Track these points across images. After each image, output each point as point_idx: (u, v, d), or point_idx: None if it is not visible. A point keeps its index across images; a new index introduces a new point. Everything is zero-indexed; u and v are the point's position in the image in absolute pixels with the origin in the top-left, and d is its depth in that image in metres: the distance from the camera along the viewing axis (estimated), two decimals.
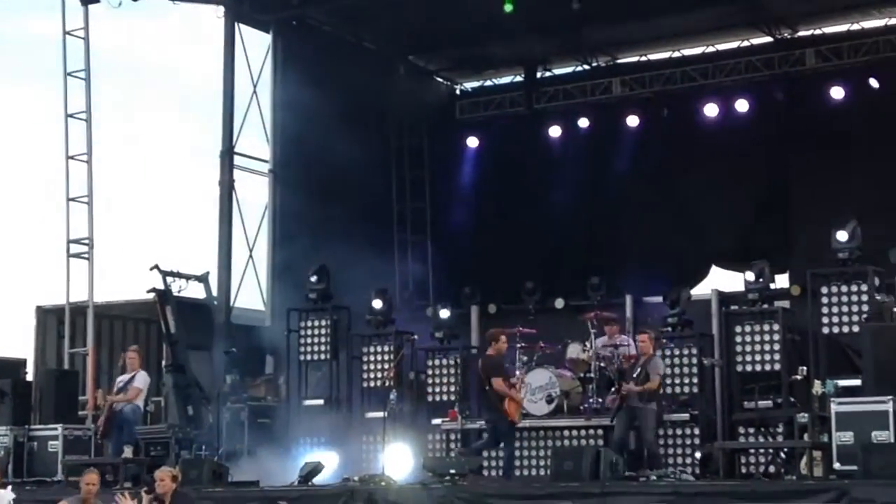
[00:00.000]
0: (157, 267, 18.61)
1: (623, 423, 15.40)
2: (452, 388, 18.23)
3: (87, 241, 19.31)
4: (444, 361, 18.42)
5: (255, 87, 21.16)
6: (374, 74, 22.36)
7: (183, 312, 18.60)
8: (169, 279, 18.74)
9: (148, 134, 20.98)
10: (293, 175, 21.03)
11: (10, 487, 11.60)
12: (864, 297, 15.67)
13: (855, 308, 15.72)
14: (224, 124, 20.63)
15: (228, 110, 20.61)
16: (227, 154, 20.51)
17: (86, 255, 19.32)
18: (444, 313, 18.78)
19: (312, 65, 21.09)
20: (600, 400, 16.72)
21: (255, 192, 21.10)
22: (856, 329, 15.47)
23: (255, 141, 21.13)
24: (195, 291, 19.42)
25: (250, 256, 20.93)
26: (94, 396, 18.46)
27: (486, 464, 16.53)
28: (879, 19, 20.96)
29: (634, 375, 15.20)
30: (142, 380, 17.32)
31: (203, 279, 19.52)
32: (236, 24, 20.85)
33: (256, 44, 21.25)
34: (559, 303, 20.18)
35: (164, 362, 18.81)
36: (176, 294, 18.79)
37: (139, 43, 20.97)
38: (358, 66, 21.94)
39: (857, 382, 14.52)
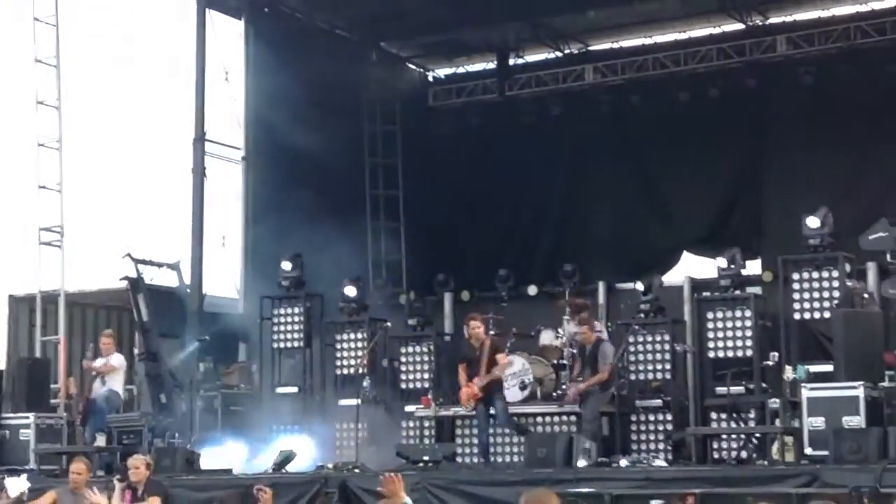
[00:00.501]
0: (129, 255, 18.56)
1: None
2: (426, 376, 18.26)
3: (58, 229, 19.23)
4: (418, 349, 18.43)
5: (227, 74, 21.09)
6: (347, 61, 22.30)
7: (155, 300, 18.56)
8: (141, 267, 18.69)
9: (120, 121, 20.84)
10: (266, 162, 20.98)
11: (24, 476, 11.46)
12: (836, 284, 15.74)
13: (826, 294, 15.80)
14: (196, 111, 20.53)
15: (200, 97, 20.51)
16: (199, 141, 20.42)
17: (57, 243, 19.24)
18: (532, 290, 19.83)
19: (285, 52, 21.02)
20: None
21: (227, 180, 21.04)
22: (827, 315, 15.55)
23: (228, 128, 21.05)
24: (167, 279, 19.39)
25: (223, 244, 20.88)
26: (66, 385, 18.41)
27: (460, 450, 16.57)
28: (850, 6, 21.03)
29: (584, 366, 15.26)
30: (117, 359, 17.30)
31: (175, 267, 19.47)
32: (208, 10, 20.75)
33: (229, 30, 21.17)
34: (532, 290, 20.21)
35: (136, 350, 18.75)
36: (148, 282, 18.76)
37: (110, 29, 20.81)
38: (330, 52, 21.90)
39: (828, 368, 14.59)
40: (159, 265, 19.19)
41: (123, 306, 19.65)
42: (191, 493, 14.78)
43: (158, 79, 20.79)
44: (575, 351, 16.85)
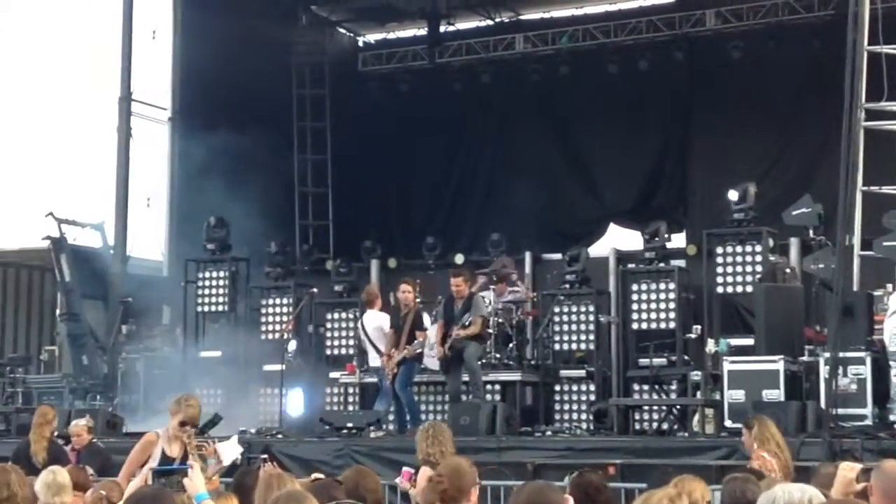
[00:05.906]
0: (52, 214, 18.33)
1: (457, 374, 15.23)
2: (351, 342, 18.23)
3: None
4: (344, 315, 18.39)
5: (154, 33, 20.80)
6: (277, 23, 22.11)
7: (78, 261, 18.35)
8: (64, 227, 18.48)
9: (45, 79, 20.52)
10: (193, 124, 20.68)
11: (235, 437, 9.91)
12: (758, 258, 15.93)
13: (749, 268, 15.98)
14: (122, 70, 20.24)
15: (127, 56, 20.22)
16: (125, 100, 20.15)
17: None
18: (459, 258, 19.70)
19: (214, 13, 20.74)
20: (497, 355, 16.78)
21: (154, 140, 20.81)
22: (749, 289, 15.74)
23: (155, 88, 20.79)
24: (91, 240, 19.17)
25: (148, 205, 20.65)
26: None
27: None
28: None
29: (462, 320, 14.94)
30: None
31: (99, 227, 19.28)
32: None
33: None
34: (459, 258, 20.25)
35: (58, 311, 18.55)
36: (71, 242, 18.54)
37: None
38: (260, 14, 21.66)
39: (749, 341, 14.79)
40: (83, 225, 18.98)
41: (45, 266, 19.41)
42: (112, 456, 14.62)
43: (85, 37, 20.49)
44: (501, 320, 16.79)
